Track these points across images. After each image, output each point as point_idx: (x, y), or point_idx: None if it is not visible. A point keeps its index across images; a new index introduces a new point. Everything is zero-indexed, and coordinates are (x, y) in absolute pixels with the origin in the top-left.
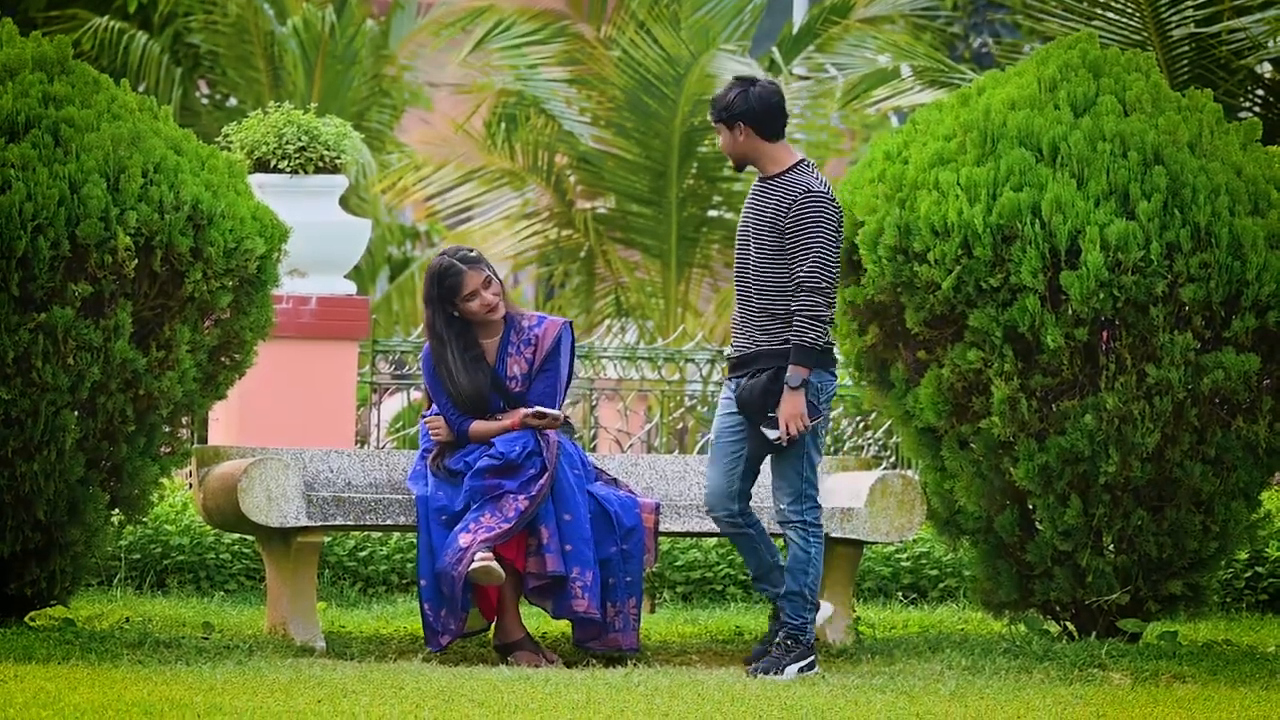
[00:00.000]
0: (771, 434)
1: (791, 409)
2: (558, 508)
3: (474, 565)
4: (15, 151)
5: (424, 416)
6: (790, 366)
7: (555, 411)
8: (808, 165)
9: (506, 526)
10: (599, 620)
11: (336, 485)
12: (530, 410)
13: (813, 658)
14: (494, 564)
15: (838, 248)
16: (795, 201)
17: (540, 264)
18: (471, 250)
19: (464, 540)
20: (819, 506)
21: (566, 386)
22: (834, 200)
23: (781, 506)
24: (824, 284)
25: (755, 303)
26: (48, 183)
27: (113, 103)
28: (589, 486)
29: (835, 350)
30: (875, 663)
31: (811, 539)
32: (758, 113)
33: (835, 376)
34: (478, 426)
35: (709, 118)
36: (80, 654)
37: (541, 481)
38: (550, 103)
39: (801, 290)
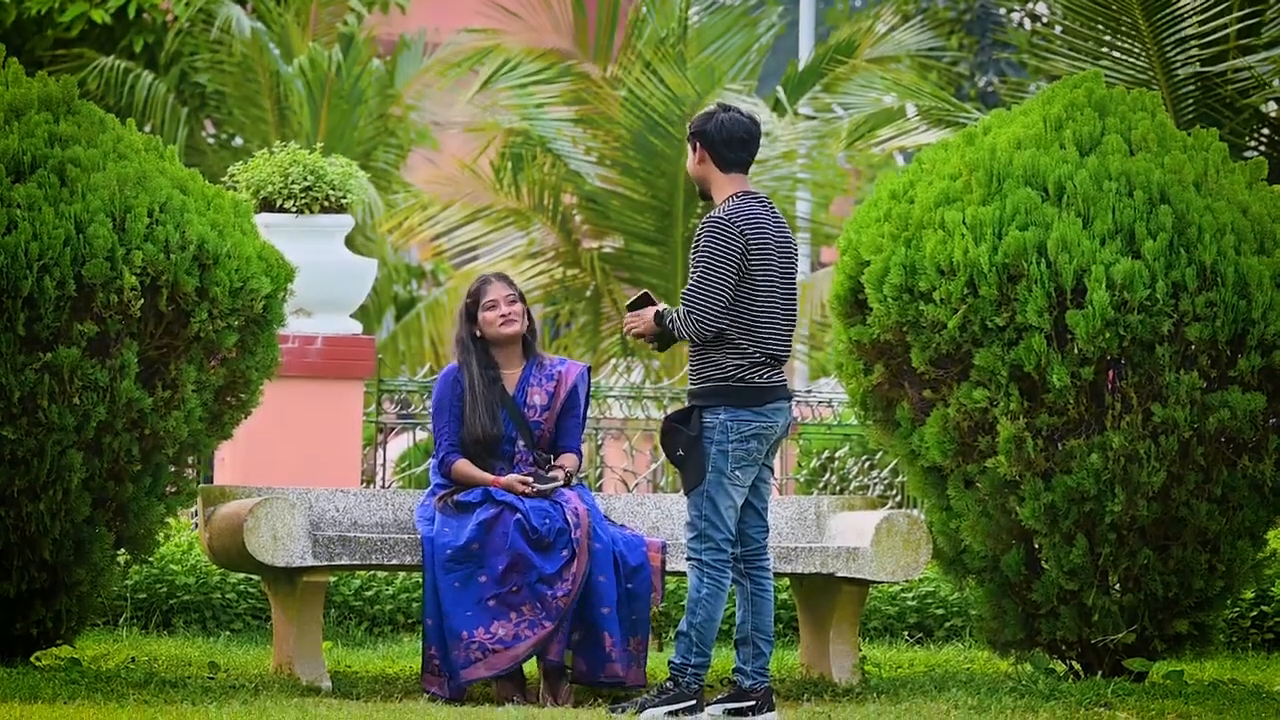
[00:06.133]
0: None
1: (640, 321)
2: (594, 569)
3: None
4: (21, 191)
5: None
6: (666, 311)
7: (554, 476)
8: (736, 197)
9: (550, 626)
10: (622, 679)
11: (342, 525)
12: (519, 478)
13: (689, 704)
14: (517, 699)
15: (723, 269)
16: (697, 229)
17: (546, 303)
18: (507, 277)
19: (503, 631)
20: (722, 550)
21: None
22: (732, 222)
23: (684, 540)
24: (694, 298)
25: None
26: (54, 222)
27: (119, 142)
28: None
29: (766, 387)
30: (881, 702)
31: (705, 580)
32: (714, 139)
33: (759, 415)
34: (462, 467)
35: None
36: (86, 694)
37: (574, 570)
38: (557, 142)
39: (681, 300)
